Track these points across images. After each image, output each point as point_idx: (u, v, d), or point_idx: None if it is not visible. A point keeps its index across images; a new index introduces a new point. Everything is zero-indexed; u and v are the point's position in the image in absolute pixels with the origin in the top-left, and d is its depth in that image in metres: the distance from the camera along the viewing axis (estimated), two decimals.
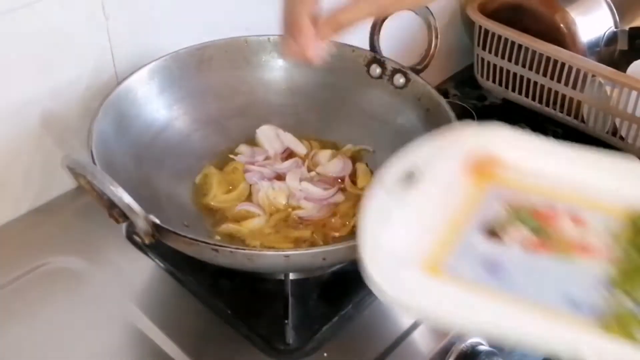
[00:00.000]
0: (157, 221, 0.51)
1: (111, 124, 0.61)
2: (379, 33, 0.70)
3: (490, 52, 1.04)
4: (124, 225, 0.64)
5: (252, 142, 0.71)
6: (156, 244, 0.53)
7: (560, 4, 0.98)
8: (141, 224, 0.50)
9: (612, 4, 0.99)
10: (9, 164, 0.65)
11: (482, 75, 1.09)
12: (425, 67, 0.68)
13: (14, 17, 0.59)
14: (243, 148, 0.70)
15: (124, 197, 0.49)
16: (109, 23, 0.66)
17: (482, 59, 1.07)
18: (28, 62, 0.62)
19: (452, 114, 0.64)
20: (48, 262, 0.63)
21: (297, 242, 0.62)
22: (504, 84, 1.07)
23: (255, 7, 0.78)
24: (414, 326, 0.59)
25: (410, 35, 0.79)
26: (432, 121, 0.66)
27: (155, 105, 0.67)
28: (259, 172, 0.67)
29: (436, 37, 0.66)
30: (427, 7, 0.66)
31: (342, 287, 0.61)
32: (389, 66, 0.70)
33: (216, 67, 0.71)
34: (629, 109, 0.93)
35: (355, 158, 0.70)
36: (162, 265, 0.63)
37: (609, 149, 0.99)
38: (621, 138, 0.97)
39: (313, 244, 0.62)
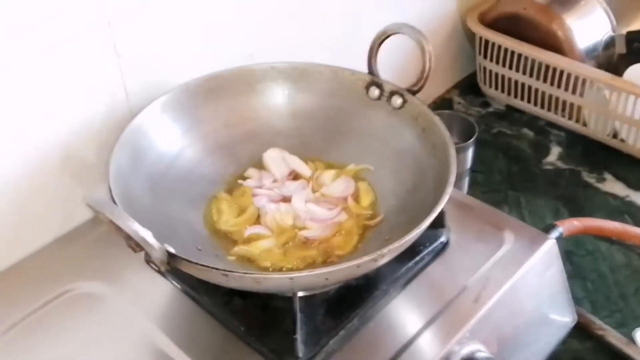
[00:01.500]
0: (172, 250, 0.55)
1: (127, 158, 0.65)
2: (376, 57, 0.73)
3: (491, 60, 1.08)
4: None
5: (260, 165, 0.75)
6: (172, 269, 0.57)
7: (556, 12, 1.00)
8: (156, 254, 0.54)
9: (608, 9, 1.02)
10: (33, 197, 0.70)
11: (485, 83, 1.12)
12: (421, 88, 0.71)
13: (32, 62, 0.64)
14: (251, 172, 0.74)
15: (140, 231, 0.53)
16: (121, 61, 0.70)
17: (484, 68, 1.10)
18: (46, 102, 0.67)
19: (446, 133, 0.67)
20: (73, 288, 0.67)
21: (305, 261, 0.66)
22: (506, 91, 1.10)
23: (258, 36, 0.82)
24: (417, 335, 0.63)
25: (406, 57, 0.83)
26: (428, 139, 0.69)
27: (168, 136, 0.71)
28: (266, 195, 0.71)
29: (430, 60, 0.69)
30: (420, 32, 0.69)
31: (347, 301, 0.64)
32: (387, 88, 0.73)
33: (224, 95, 0.74)
34: (628, 112, 0.96)
35: (357, 177, 0.74)
36: (179, 286, 0.67)
37: (611, 151, 1.02)
38: (621, 140, 1.00)
39: (319, 263, 0.66)
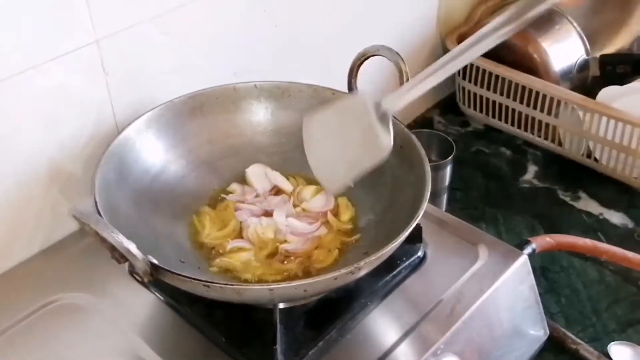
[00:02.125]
0: (155, 261, 0.57)
1: (112, 171, 0.67)
2: (356, 76, 0.75)
3: (470, 81, 1.11)
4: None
5: (243, 180, 0.77)
6: (155, 280, 0.59)
7: (532, 35, 1.04)
8: (140, 265, 0.56)
9: (582, 34, 1.05)
10: (21, 209, 0.71)
11: (464, 103, 1.15)
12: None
13: (23, 78, 0.65)
14: (234, 186, 0.76)
15: (124, 242, 0.55)
16: (108, 78, 0.72)
17: (464, 88, 1.13)
18: (36, 117, 0.68)
19: (422, 151, 0.69)
20: (59, 299, 0.68)
21: (285, 274, 0.68)
22: (484, 111, 1.13)
23: (242, 55, 0.85)
24: (393, 347, 0.64)
25: (384, 77, 0.85)
26: (406, 157, 0.71)
27: (153, 151, 0.73)
28: (248, 209, 0.73)
29: (406, 81, 0.71)
30: (398, 54, 0.72)
31: (326, 314, 0.66)
32: None
33: (208, 112, 0.77)
34: (601, 133, 0.99)
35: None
36: (162, 298, 0.68)
37: (585, 170, 1.05)
38: (595, 160, 1.03)
39: (299, 276, 0.68)
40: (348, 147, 0.64)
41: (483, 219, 0.98)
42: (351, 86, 0.76)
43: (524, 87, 1.04)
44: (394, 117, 0.73)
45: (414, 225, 0.60)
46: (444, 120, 1.18)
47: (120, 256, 0.57)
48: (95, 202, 0.62)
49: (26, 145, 0.69)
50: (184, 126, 0.75)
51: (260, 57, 0.87)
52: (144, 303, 0.69)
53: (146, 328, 0.67)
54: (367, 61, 0.74)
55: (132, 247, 0.56)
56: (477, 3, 1.17)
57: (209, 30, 0.80)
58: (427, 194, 0.63)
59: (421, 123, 1.16)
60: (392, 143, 0.61)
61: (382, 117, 0.62)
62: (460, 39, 1.11)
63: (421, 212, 0.61)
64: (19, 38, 0.64)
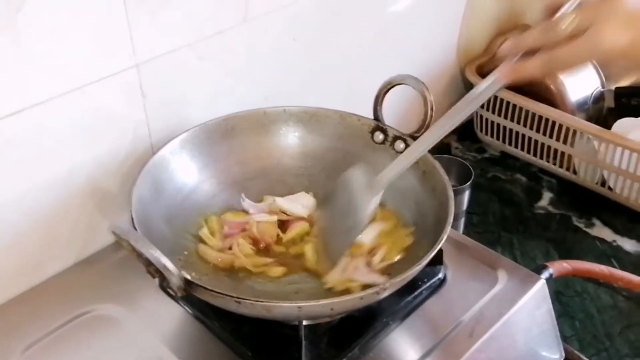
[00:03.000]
0: (189, 277, 0.60)
1: (148, 189, 0.70)
2: (382, 104, 0.78)
3: (488, 110, 1.13)
4: None
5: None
6: (187, 295, 0.61)
7: None
8: (175, 281, 0.58)
9: (598, 66, 1.08)
10: (58, 223, 0.74)
11: (481, 131, 1.18)
12: (422, 134, 0.76)
13: (69, 98, 0.68)
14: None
15: (161, 259, 0.57)
16: (146, 101, 0.75)
17: (481, 116, 1.16)
18: (77, 135, 0.71)
19: (445, 177, 0.72)
20: (91, 310, 0.71)
21: None
22: (501, 138, 1.15)
23: (272, 81, 0.88)
24: None
25: (409, 105, 0.88)
26: (428, 182, 0.74)
27: (186, 170, 0.76)
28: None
29: (431, 109, 0.74)
30: (423, 83, 0.75)
31: (349, 332, 0.68)
32: (391, 133, 0.78)
33: (239, 135, 0.80)
34: (615, 162, 1.01)
35: None
36: (190, 311, 0.71)
37: (599, 198, 1.07)
38: (609, 188, 1.05)
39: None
40: (341, 220, 0.69)
41: (499, 243, 1.00)
42: (376, 113, 0.79)
43: (540, 117, 1.07)
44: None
45: (438, 248, 0.62)
46: (461, 146, 1.20)
47: (155, 271, 0.59)
48: (132, 218, 0.65)
49: (66, 162, 0.72)
50: (216, 148, 0.78)
51: (289, 82, 0.90)
52: (173, 316, 0.71)
53: (175, 340, 0.69)
54: (391, 89, 0.77)
55: (168, 263, 0.58)
56: (496, 35, 1.20)
57: (242, 56, 0.83)
58: (451, 218, 0.65)
59: (438, 148, 1.17)
60: (368, 218, 0.68)
61: (373, 191, 0.68)
62: (479, 69, 1.14)
63: (445, 236, 0.64)
64: (67, 62, 0.67)
